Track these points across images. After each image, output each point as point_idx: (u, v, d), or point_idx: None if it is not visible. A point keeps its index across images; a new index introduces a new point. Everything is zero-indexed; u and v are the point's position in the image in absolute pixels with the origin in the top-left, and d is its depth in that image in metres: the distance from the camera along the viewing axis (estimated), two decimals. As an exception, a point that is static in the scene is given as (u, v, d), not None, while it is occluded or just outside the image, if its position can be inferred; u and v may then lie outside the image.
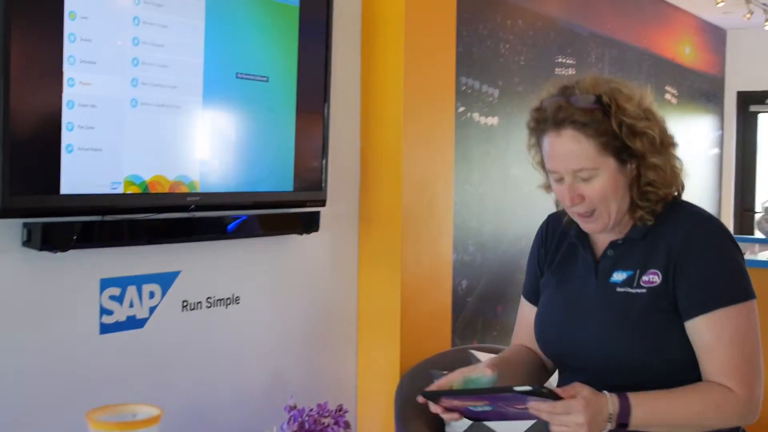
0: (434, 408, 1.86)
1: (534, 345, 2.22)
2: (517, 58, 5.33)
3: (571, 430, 1.73)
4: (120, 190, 2.89)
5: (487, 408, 1.85)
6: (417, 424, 3.38)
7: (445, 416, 1.89)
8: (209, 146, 3.21)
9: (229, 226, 3.34)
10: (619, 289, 1.97)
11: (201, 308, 3.34)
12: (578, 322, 2.04)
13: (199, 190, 3.15)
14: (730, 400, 1.84)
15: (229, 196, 3.30)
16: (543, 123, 2.00)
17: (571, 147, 1.91)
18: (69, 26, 2.69)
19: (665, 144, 2.01)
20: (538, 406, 1.72)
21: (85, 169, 2.79)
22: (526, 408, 1.76)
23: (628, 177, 1.96)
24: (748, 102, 8.70)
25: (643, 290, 1.93)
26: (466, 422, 3.31)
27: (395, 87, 4.00)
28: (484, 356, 3.65)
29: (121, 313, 3.05)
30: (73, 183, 2.75)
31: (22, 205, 2.64)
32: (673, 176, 2.02)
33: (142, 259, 3.12)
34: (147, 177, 2.96)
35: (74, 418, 2.13)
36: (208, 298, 3.37)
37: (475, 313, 5.01)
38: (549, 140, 1.97)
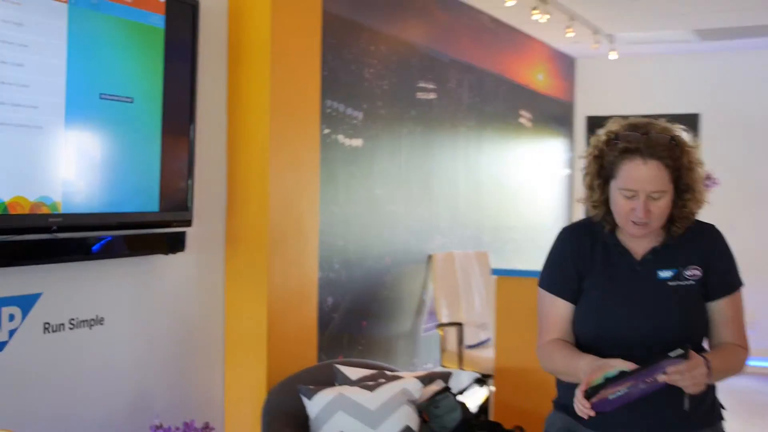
0: (587, 410, 2.14)
1: (568, 337, 2.51)
2: (381, 82, 5.37)
3: (698, 380, 2.12)
4: (-23, 211, 2.77)
5: (622, 392, 2.14)
6: (283, 439, 3.36)
7: (584, 415, 2.17)
8: (72, 167, 3.09)
9: (94, 247, 3.24)
10: (670, 283, 2.40)
11: (64, 330, 3.22)
12: (640, 314, 2.40)
13: (61, 211, 3.03)
14: (744, 355, 2.44)
15: (93, 217, 3.19)
16: (632, 152, 2.31)
17: (653, 173, 2.28)
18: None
19: (702, 181, 2.42)
20: (677, 368, 2.08)
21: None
22: (655, 379, 2.12)
23: (674, 204, 2.36)
24: (596, 126, 8.88)
25: (691, 282, 2.40)
26: (336, 427, 3.32)
27: (261, 109, 3.98)
28: (349, 370, 3.66)
29: (-21, 337, 2.92)
30: (-74, 204, 2.62)
31: None
32: (701, 203, 2.42)
33: (1, 282, 2.98)
34: (6, 198, 2.83)
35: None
36: (71, 319, 3.25)
37: (341, 328, 5.02)
38: (634, 165, 2.31)
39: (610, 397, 2.15)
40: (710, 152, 8.19)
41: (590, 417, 2.17)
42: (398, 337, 5.62)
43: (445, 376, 3.73)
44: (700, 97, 8.49)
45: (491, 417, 3.98)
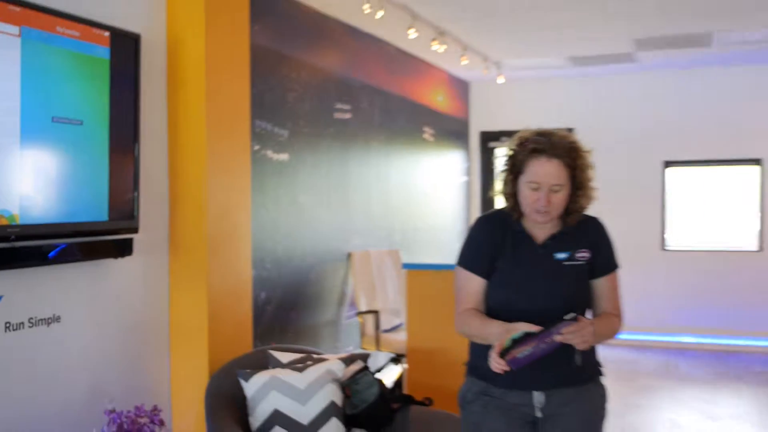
0: (502, 366, 2.31)
1: (481, 307, 2.62)
2: (303, 104, 5.37)
3: (587, 338, 2.33)
4: (-59, 224, 2.67)
5: (528, 351, 2.31)
6: (224, 416, 3.33)
7: (499, 370, 2.33)
8: (28, 182, 3.01)
9: (50, 254, 3.17)
10: (565, 263, 2.56)
11: (24, 328, 3.14)
12: (540, 287, 2.54)
13: (19, 222, 2.95)
14: (619, 322, 2.63)
15: (48, 227, 3.11)
16: (539, 152, 2.48)
17: (555, 170, 2.46)
18: None
19: (592, 182, 2.60)
20: (570, 329, 2.29)
21: None
22: (553, 339, 2.30)
23: (570, 198, 2.53)
24: (487, 140, 9.13)
25: (582, 262, 2.57)
26: (266, 412, 3.30)
27: (198, 129, 3.93)
28: (280, 355, 3.64)
29: (-55, 337, 2.82)
30: None
31: None
32: (590, 199, 2.60)
33: (-35, 286, 2.90)
34: None
35: None
36: (30, 318, 3.16)
37: (273, 319, 5.00)
38: (539, 163, 2.47)
39: (519, 355, 2.31)
40: (583, 160, 8.46)
41: (500, 377, 2.36)
42: (323, 324, 5.61)
43: (364, 357, 3.73)
44: (573, 113, 8.66)
45: (405, 391, 4.01)
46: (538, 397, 2.51)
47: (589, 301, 2.62)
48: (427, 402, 3.60)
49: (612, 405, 5.92)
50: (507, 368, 2.30)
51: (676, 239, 8.45)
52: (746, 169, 8.17)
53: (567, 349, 2.35)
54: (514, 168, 2.55)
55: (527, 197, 2.49)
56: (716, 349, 8.06)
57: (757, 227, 8.12)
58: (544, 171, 2.46)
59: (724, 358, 7.77)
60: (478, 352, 2.52)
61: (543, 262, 2.56)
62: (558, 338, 2.29)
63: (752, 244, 8.16)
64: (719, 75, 8.15)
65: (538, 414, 2.51)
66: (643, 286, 8.34)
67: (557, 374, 2.49)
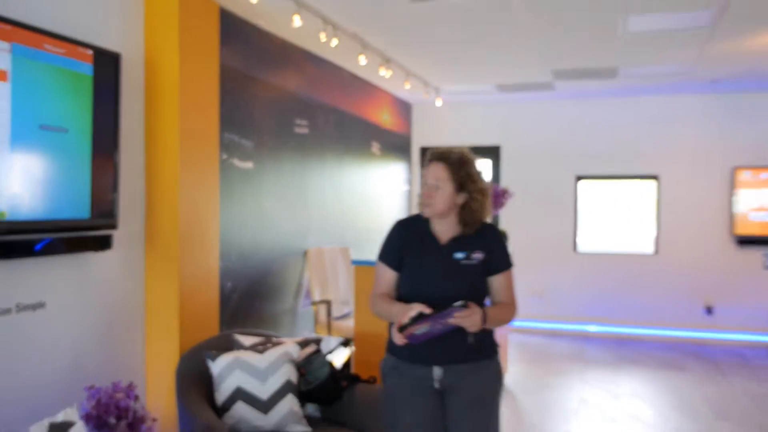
0: (401, 339, 2.50)
1: (391, 292, 2.75)
2: (267, 119, 5.35)
3: (475, 322, 2.45)
4: (-65, 218, 2.58)
5: (424, 330, 2.46)
6: (192, 392, 3.29)
7: (400, 342, 2.52)
8: (17, 184, 2.95)
9: (36, 246, 3.11)
10: (462, 262, 2.64)
11: (11, 313, 3.08)
12: (439, 280, 2.64)
13: (7, 218, 2.89)
14: (513, 309, 2.73)
15: (34, 223, 3.05)
16: (431, 159, 2.71)
17: (437, 169, 2.67)
18: None
19: (483, 193, 2.69)
20: (461, 314, 2.42)
21: None
22: (447, 321, 2.43)
23: (457, 200, 2.65)
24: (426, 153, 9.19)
25: (475, 262, 2.65)
26: (230, 389, 3.26)
27: (172, 138, 3.90)
28: (243, 338, 3.62)
29: (-63, 320, 2.72)
30: None
31: None
32: (485, 211, 2.70)
33: (-42, 275, 2.81)
34: None
35: None
36: (17, 304, 3.11)
37: (238, 307, 4.96)
38: (429, 166, 2.70)
39: (417, 332, 2.46)
40: (507, 173, 8.58)
41: (406, 353, 2.60)
42: (282, 312, 5.58)
43: (317, 341, 3.73)
44: (500, 132, 8.76)
45: (352, 370, 4.01)
46: (436, 371, 2.61)
47: (485, 293, 2.72)
48: (371, 380, 3.61)
49: (528, 384, 6.04)
50: (405, 341, 2.50)
51: (585, 243, 8.59)
52: (645, 183, 8.35)
53: (461, 330, 2.48)
54: (422, 177, 2.76)
55: (420, 195, 2.71)
56: (617, 337, 8.21)
57: (654, 234, 8.31)
58: (430, 172, 2.68)
59: (624, 344, 7.92)
60: (392, 332, 2.60)
61: (443, 259, 2.66)
62: (451, 321, 2.44)
63: (649, 248, 8.34)
64: (624, 103, 8.31)
65: (437, 386, 2.62)
66: (557, 283, 8.49)
67: (452, 352, 2.60)
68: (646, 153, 8.27)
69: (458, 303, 2.45)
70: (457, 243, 2.67)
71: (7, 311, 3.05)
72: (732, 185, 7.92)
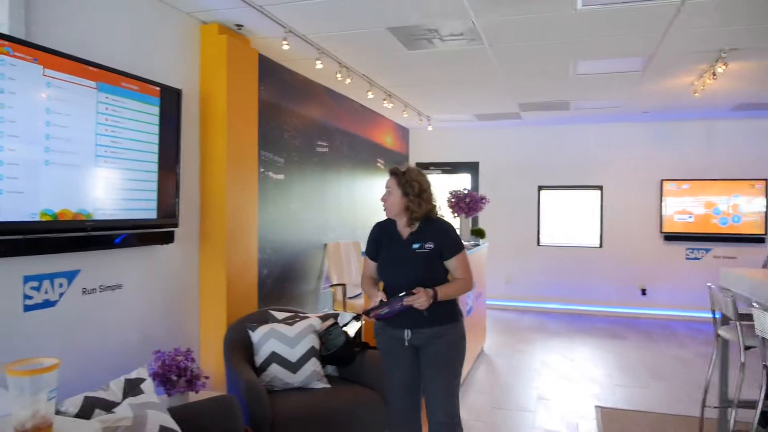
0: (371, 318, 2.67)
1: (374, 275, 2.87)
2: (295, 141, 5.35)
3: (421, 303, 2.54)
4: (37, 218, 2.60)
5: (387, 310, 2.59)
6: (237, 355, 3.29)
7: (372, 319, 2.69)
8: (101, 190, 2.95)
9: (116, 240, 3.12)
10: (417, 251, 2.70)
11: (96, 292, 3.08)
12: (402, 266, 2.72)
13: (93, 218, 2.90)
14: (466, 283, 2.73)
15: (114, 222, 3.06)
16: (389, 173, 2.81)
17: (389, 182, 2.78)
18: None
19: (422, 196, 2.74)
20: (408, 298, 2.54)
21: (11, 205, 2.49)
22: (402, 304, 2.55)
23: (405, 203, 2.73)
24: (421, 168, 9.17)
25: (427, 250, 2.69)
26: (266, 353, 3.27)
27: (221, 156, 3.89)
28: (277, 313, 3.62)
29: (39, 298, 2.74)
30: (1, 214, 2.44)
31: (-37, 228, 2.30)
32: (421, 209, 2.74)
33: (55, 262, 2.82)
34: (56, 210, 2.68)
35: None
36: (101, 285, 3.11)
37: (272, 289, 4.95)
38: (388, 178, 2.80)
39: (381, 312, 2.62)
40: (485, 184, 8.58)
41: (388, 320, 2.69)
42: (306, 293, 5.58)
43: (335, 316, 3.72)
44: (478, 152, 8.76)
45: (363, 339, 4.00)
46: (406, 333, 2.72)
47: (440, 273, 2.73)
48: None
49: (501, 350, 6.01)
50: (373, 319, 2.70)
51: (546, 238, 8.58)
52: (592, 192, 8.35)
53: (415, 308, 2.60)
54: None
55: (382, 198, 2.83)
56: (572, 313, 8.20)
57: (599, 231, 8.31)
58: (386, 183, 2.80)
59: (577, 318, 7.91)
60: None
61: (405, 250, 2.74)
62: (404, 303, 2.56)
63: (595, 242, 8.34)
64: (575, 129, 8.31)
65: (406, 344, 2.73)
66: (524, 270, 8.47)
67: (415, 320, 2.67)
68: (593, 168, 8.27)
69: (402, 293, 2.57)
70: (414, 236, 2.75)
71: (93, 290, 3.06)
72: (660, 193, 7.94)
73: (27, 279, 2.67)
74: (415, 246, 2.70)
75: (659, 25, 3.94)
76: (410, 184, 2.73)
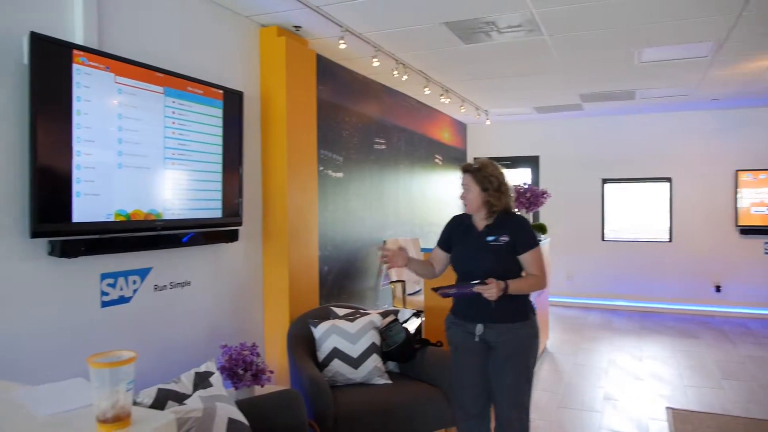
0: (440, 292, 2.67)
1: (437, 265, 2.92)
2: (353, 138, 5.39)
3: (491, 293, 2.53)
4: (112, 218, 2.73)
5: (455, 290, 2.64)
6: (299, 351, 3.34)
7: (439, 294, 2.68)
8: (169, 191, 3.07)
9: (183, 239, 3.22)
10: (491, 243, 2.69)
11: (166, 289, 3.20)
12: (475, 258, 2.72)
13: (163, 217, 3.01)
14: (539, 279, 2.69)
15: (182, 221, 3.17)
16: (461, 170, 2.80)
17: (465, 179, 2.78)
18: (76, 120, 2.54)
19: (501, 189, 2.74)
20: (478, 287, 2.54)
21: (88, 206, 2.62)
22: (471, 290, 2.56)
23: (485, 198, 2.73)
24: (479, 164, 9.09)
25: (502, 243, 2.68)
26: (328, 349, 3.31)
27: (281, 155, 3.96)
28: (338, 310, 3.66)
29: (115, 294, 2.88)
30: (80, 215, 2.58)
31: (46, 229, 2.46)
32: (501, 202, 2.74)
33: (129, 261, 2.96)
34: (129, 210, 2.80)
35: (83, 362, 1.97)
36: (170, 282, 3.23)
37: (333, 285, 5.01)
38: (462, 176, 2.79)
39: (449, 292, 2.66)
40: (545, 178, 8.40)
41: (460, 312, 2.76)
42: (366, 289, 5.63)
43: (395, 312, 3.73)
44: (537, 145, 8.59)
45: (423, 336, 4.01)
46: (478, 328, 2.69)
47: (513, 267, 2.71)
48: (438, 344, 3.60)
49: (565, 348, 5.87)
50: (438, 294, 2.68)
51: (611, 233, 8.33)
52: (660, 184, 8.03)
53: (485, 299, 2.59)
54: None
55: (461, 195, 2.83)
56: (640, 310, 7.92)
57: (668, 224, 7.99)
58: (462, 180, 2.80)
59: (645, 316, 7.64)
60: (455, 300, 2.81)
61: (479, 242, 2.74)
62: (475, 289, 2.55)
63: (665, 237, 8.02)
64: (640, 119, 8.01)
65: (476, 339, 2.71)
66: (589, 266, 8.25)
67: (484, 314, 2.66)
68: (660, 159, 7.94)
69: (476, 281, 2.57)
70: (489, 230, 2.74)
71: (164, 287, 3.18)
72: (735, 184, 7.53)
73: (104, 276, 2.81)
74: (490, 238, 2.71)
75: (734, 6, 3.74)
76: (488, 179, 2.73)
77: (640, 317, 7.57)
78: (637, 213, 8.24)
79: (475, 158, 9.18)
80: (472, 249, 2.75)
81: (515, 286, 2.62)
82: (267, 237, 4.00)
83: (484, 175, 2.73)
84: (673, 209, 7.94)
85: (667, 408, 4.22)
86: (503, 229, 2.71)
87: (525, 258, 2.70)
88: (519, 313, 2.70)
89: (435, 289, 2.68)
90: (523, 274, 2.73)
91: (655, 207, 8.13)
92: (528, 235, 2.73)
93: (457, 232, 2.86)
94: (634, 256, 8.08)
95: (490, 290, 2.54)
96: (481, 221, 2.78)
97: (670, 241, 7.95)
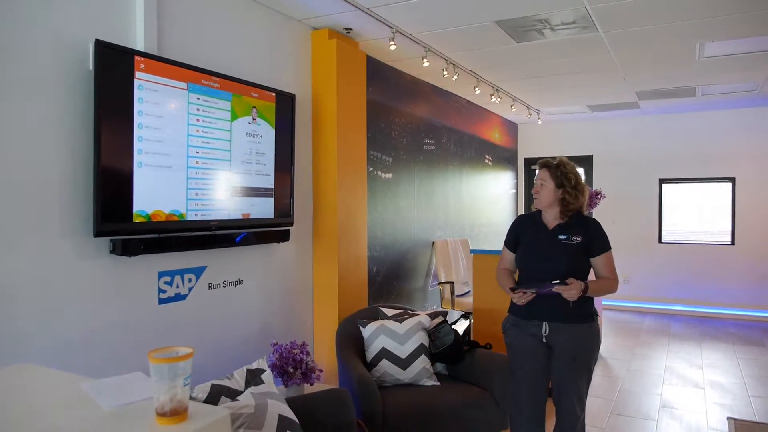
0: (519, 292, 2.61)
1: (511, 267, 2.87)
2: (402, 139, 5.39)
3: (571, 294, 2.49)
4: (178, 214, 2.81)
5: (533, 290, 2.58)
6: (348, 350, 3.36)
7: (518, 300, 2.63)
8: (224, 193, 3.15)
9: (237, 239, 3.29)
10: (564, 242, 2.66)
11: (220, 287, 3.28)
12: (546, 256, 2.68)
13: (186, 218, 3.01)
14: (612, 283, 2.67)
15: (235, 221, 3.24)
16: (539, 165, 2.76)
17: (541, 174, 2.74)
18: (137, 120, 2.63)
19: (578, 188, 2.71)
20: (558, 287, 2.49)
21: (148, 206, 2.71)
22: (551, 290, 2.50)
23: (558, 195, 2.70)
24: (530, 164, 8.96)
25: (575, 243, 2.65)
26: (377, 349, 3.33)
27: (332, 156, 4.00)
28: (387, 310, 3.67)
29: (171, 292, 2.97)
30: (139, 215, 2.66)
31: (108, 229, 2.56)
32: (578, 201, 2.71)
33: (184, 259, 3.05)
34: (149, 211, 2.85)
35: (142, 356, 2.05)
36: (224, 281, 3.30)
37: (381, 285, 5.03)
38: (538, 170, 2.76)
39: (526, 290, 2.60)
40: (599, 178, 8.19)
41: (523, 312, 2.67)
42: (415, 290, 5.63)
43: (444, 313, 3.72)
44: (592, 145, 8.40)
45: (472, 338, 3.97)
46: (545, 326, 2.65)
47: (584, 268, 2.69)
48: (488, 346, 3.56)
49: (620, 354, 5.70)
50: (521, 298, 2.61)
51: (669, 235, 8.05)
52: (722, 184, 7.71)
53: (563, 298, 2.54)
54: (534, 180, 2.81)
55: (532, 192, 2.78)
56: (699, 315, 7.62)
57: (730, 226, 7.66)
58: (537, 175, 2.77)
59: (705, 322, 7.35)
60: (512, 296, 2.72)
61: (550, 240, 2.70)
62: (555, 289, 2.50)
63: (727, 239, 7.69)
64: (701, 116, 7.71)
65: (544, 339, 2.66)
66: (645, 269, 7.99)
67: (555, 313, 2.62)
68: (723, 159, 7.61)
69: (556, 281, 2.52)
70: (560, 228, 2.70)
71: (218, 285, 3.27)
72: (805, 185, 7.16)
73: (161, 274, 2.91)
74: (562, 237, 2.68)
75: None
76: (566, 176, 2.71)
77: (699, 323, 7.28)
78: (697, 214, 7.93)
79: (523, 159, 9.08)
80: (543, 248, 2.71)
81: (594, 287, 2.59)
82: (317, 237, 4.05)
83: (562, 172, 2.71)
84: (736, 211, 7.61)
85: (729, 418, 4.04)
86: (576, 229, 2.69)
87: (598, 261, 2.68)
88: (587, 314, 2.67)
89: (513, 289, 2.65)
90: (591, 277, 2.69)
91: (716, 208, 7.81)
92: (603, 237, 2.72)
93: (526, 231, 2.81)
94: (694, 259, 7.78)
95: (571, 290, 2.50)
96: (552, 220, 2.74)
97: (733, 243, 7.62)
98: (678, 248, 7.90)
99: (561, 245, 2.67)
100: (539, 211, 2.80)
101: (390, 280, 5.17)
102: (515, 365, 2.74)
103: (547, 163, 2.75)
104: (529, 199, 9.00)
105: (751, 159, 7.47)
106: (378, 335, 3.36)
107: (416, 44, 4.42)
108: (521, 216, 2.95)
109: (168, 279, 2.95)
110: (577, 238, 2.66)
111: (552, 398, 2.73)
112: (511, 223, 2.95)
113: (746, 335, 6.60)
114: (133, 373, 1.45)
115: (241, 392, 2.25)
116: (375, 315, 3.63)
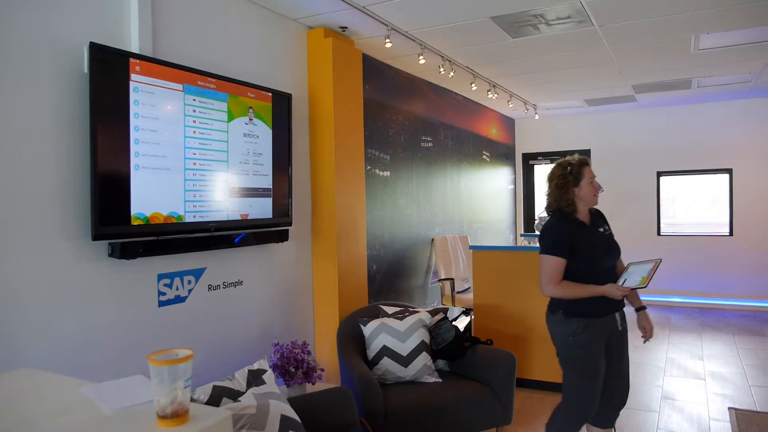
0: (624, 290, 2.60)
1: (562, 276, 2.68)
2: (399, 137, 5.39)
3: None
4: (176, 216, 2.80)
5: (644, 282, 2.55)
6: (349, 349, 3.36)
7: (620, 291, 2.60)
8: (222, 194, 3.14)
9: (236, 240, 3.28)
10: (605, 233, 2.76)
11: (220, 289, 3.27)
12: (608, 249, 2.73)
13: (214, 219, 3.07)
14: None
15: (234, 222, 3.23)
16: (586, 163, 2.77)
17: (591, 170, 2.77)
18: (133, 123, 2.62)
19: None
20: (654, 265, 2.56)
21: (145, 209, 2.70)
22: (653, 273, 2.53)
23: None
24: (528, 159, 8.96)
25: (610, 233, 2.79)
26: (378, 347, 3.33)
27: (329, 155, 3.99)
28: (387, 308, 3.66)
29: (171, 294, 2.96)
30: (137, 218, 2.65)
31: (106, 232, 2.55)
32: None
33: (183, 261, 3.04)
34: (148, 213, 2.82)
35: (142, 359, 2.05)
36: (223, 282, 3.29)
37: (381, 284, 5.03)
38: (588, 167, 2.76)
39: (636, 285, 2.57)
40: (597, 172, 8.15)
41: (599, 310, 2.65)
42: (415, 287, 5.62)
43: (444, 310, 3.72)
44: (589, 139, 8.39)
45: (473, 334, 3.97)
46: (618, 316, 2.76)
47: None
48: (488, 342, 3.56)
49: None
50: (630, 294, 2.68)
51: (667, 227, 8.05)
52: (719, 176, 7.71)
53: None
54: (572, 180, 2.70)
55: (590, 189, 2.71)
56: (698, 307, 7.63)
57: (728, 217, 7.66)
58: (589, 171, 2.74)
59: (704, 313, 7.35)
60: (576, 303, 2.63)
61: (595, 235, 2.73)
62: (652, 267, 2.58)
63: (725, 230, 7.69)
64: (698, 108, 7.71)
65: (620, 327, 2.76)
66: (643, 261, 8.00)
67: (617, 303, 2.72)
68: (720, 150, 7.62)
69: (657, 261, 2.58)
70: (594, 223, 2.78)
71: (218, 287, 3.26)
72: (802, 175, 7.16)
73: (161, 276, 2.90)
74: (600, 230, 2.77)
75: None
76: None
77: (699, 314, 7.29)
78: (695, 206, 7.94)
79: (520, 154, 9.07)
80: (602, 242, 2.74)
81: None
82: (316, 236, 4.04)
83: None
84: (733, 202, 7.61)
85: (730, 408, 4.05)
86: (599, 220, 2.82)
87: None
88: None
89: (634, 288, 2.56)
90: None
91: (713, 200, 7.81)
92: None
93: (578, 235, 2.67)
94: (692, 250, 7.79)
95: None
96: (585, 217, 2.78)
97: (731, 234, 7.62)
98: (676, 240, 7.91)
99: (606, 237, 2.78)
100: (570, 212, 2.71)
101: (390, 278, 5.17)
102: (590, 370, 2.64)
103: (588, 162, 2.81)
104: (528, 195, 9.00)
105: (747, 150, 7.47)
106: (379, 333, 3.36)
107: (412, 41, 4.41)
108: (563, 221, 2.72)
109: (167, 281, 2.94)
110: (607, 227, 2.81)
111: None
112: (551, 227, 2.73)
113: (746, 325, 6.61)
114: (134, 376, 1.45)
115: (243, 393, 2.25)
116: (375, 313, 3.63)
